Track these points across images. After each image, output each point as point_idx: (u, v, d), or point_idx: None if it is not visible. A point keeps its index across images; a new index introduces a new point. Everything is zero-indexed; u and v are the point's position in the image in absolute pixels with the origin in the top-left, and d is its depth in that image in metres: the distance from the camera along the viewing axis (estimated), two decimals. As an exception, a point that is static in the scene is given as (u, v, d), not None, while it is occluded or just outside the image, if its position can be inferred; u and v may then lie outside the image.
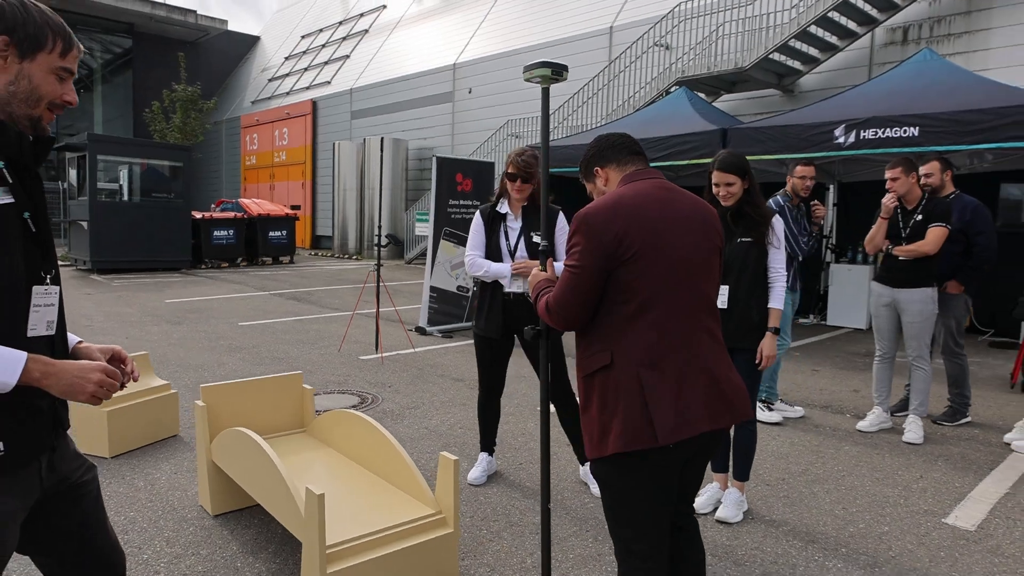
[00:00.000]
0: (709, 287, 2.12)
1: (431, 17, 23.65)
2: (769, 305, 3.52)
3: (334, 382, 6.30)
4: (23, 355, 1.40)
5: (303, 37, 31.00)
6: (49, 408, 1.53)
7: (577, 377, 2.18)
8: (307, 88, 26.94)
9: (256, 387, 3.78)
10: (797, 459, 4.48)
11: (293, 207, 23.83)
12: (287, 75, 29.36)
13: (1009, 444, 4.70)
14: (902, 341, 4.94)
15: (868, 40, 12.35)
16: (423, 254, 19.07)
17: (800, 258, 5.28)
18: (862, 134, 7.14)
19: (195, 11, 30.95)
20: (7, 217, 1.41)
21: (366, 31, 26.65)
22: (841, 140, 7.27)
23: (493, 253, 3.81)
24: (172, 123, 25.72)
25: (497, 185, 3.94)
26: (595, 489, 3.89)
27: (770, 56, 11.95)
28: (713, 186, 3.42)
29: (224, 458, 3.42)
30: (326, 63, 27.27)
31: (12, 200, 1.43)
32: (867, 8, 11.44)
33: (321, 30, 30.00)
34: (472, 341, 8.30)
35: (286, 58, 30.67)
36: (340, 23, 29.04)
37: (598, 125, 15.32)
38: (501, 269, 3.76)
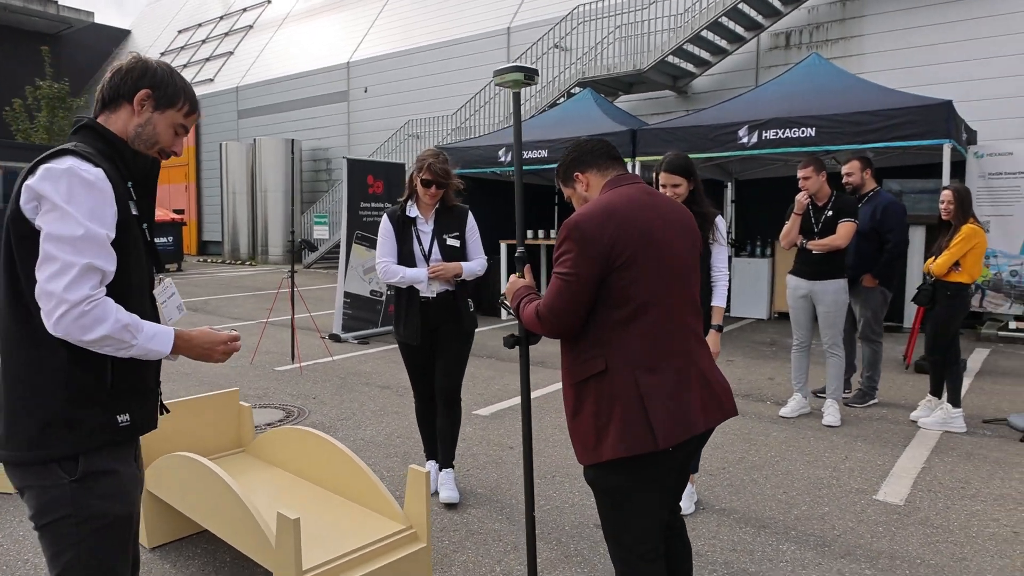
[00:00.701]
0: (695, 289, 2.15)
1: (320, 14, 22.99)
2: (712, 303, 3.63)
3: (253, 396, 6.00)
4: (171, 329, 1.70)
5: (180, 32, 29.39)
6: (156, 391, 1.81)
7: (565, 384, 2.15)
8: (188, 86, 25.54)
9: (189, 407, 3.54)
10: (731, 448, 4.66)
11: (176, 211, 22.54)
12: (164, 72, 27.70)
13: (916, 422, 5.08)
14: (817, 330, 5.24)
15: (755, 44, 13.03)
16: (324, 258, 18.52)
17: None
18: (764, 134, 7.52)
19: (56, 1, 28.67)
20: (134, 226, 1.70)
21: (250, 27, 25.58)
22: (745, 140, 7.63)
23: (406, 258, 3.71)
24: (37, 122, 23.70)
25: (406, 186, 3.82)
26: (449, 495, 3.74)
27: (666, 59, 12.38)
28: (660, 187, 3.49)
29: (163, 486, 3.17)
30: (208, 60, 25.97)
31: (137, 213, 1.73)
32: (753, 14, 12.06)
33: (200, 25, 28.53)
34: (393, 346, 8.15)
35: (161, 54, 28.94)
36: (221, 18, 27.73)
37: (500, 127, 15.40)
38: (417, 274, 3.66)
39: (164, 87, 1.76)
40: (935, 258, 4.90)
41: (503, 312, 2.59)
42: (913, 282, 8.78)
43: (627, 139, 8.41)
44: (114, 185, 1.63)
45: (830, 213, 4.98)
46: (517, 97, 2.46)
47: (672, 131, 8.12)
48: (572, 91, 13.43)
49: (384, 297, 9.09)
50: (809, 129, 7.27)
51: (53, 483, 1.59)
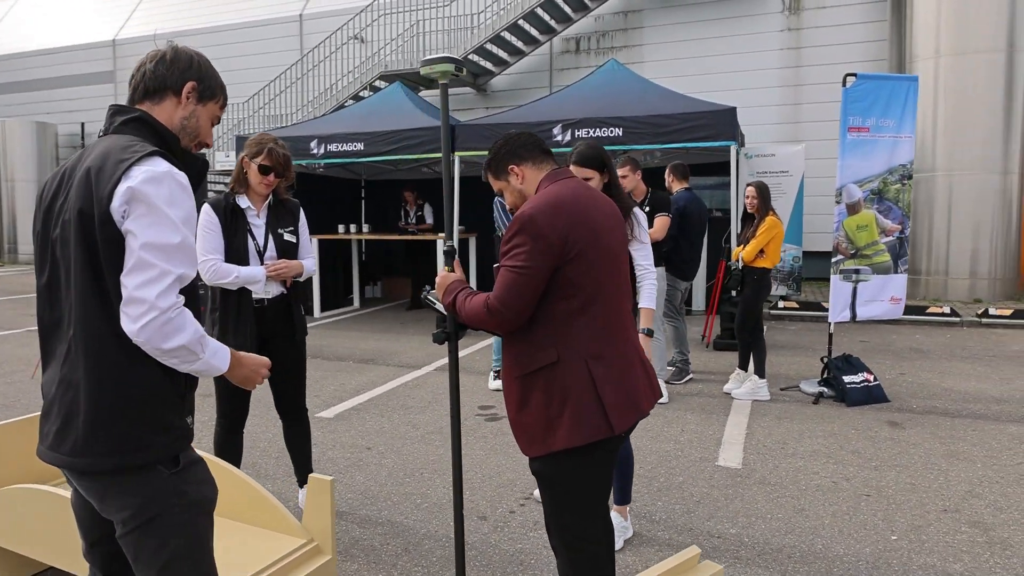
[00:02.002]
0: (628, 279, 2.24)
1: (73, -18, 20.26)
2: (640, 305, 3.38)
3: (48, 418, 5.18)
4: (226, 347, 1.72)
5: None
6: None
7: (510, 376, 2.13)
8: None
9: (7, 433, 2.99)
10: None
11: None
12: None
13: (729, 393, 5.69)
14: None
15: (548, 48, 13.70)
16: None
17: None
18: (577, 133, 7.94)
19: None
20: None
21: (-21, -11, 21.88)
22: (559, 138, 8.01)
23: (237, 254, 3.24)
24: None
25: (235, 172, 3.35)
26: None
27: (468, 56, 12.60)
28: None
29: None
30: (-79, 25, 21.80)
31: None
32: (547, 18, 12.67)
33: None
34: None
35: None
36: (-64, -23, 23.38)
37: (300, 118, 14.72)
38: (254, 273, 3.23)
39: (208, 79, 1.76)
40: (744, 247, 5.51)
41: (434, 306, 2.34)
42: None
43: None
44: None
45: (647, 209, 5.40)
46: (445, 88, 2.38)
47: (491, 127, 8.29)
48: (375, 84, 13.19)
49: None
50: (617, 129, 7.80)
51: (155, 478, 1.62)
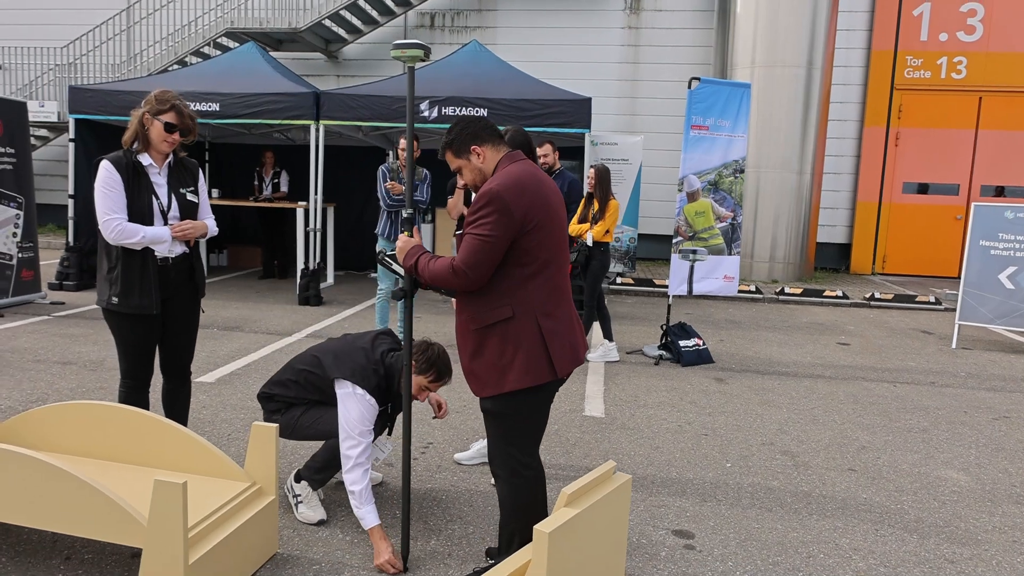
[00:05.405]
0: (567, 248, 2.71)
1: None
2: None
3: None
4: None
5: None
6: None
7: (465, 329, 2.52)
8: None
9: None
10: (461, 391, 5.34)
11: None
12: None
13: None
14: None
15: (403, 20, 13.78)
16: None
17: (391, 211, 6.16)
18: (443, 110, 8.28)
19: None
20: None
21: None
22: (426, 114, 8.30)
23: (141, 214, 3.28)
24: None
25: (134, 129, 3.28)
26: None
27: (322, 21, 12.41)
28: None
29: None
30: None
31: None
32: (404, -10, 12.76)
33: None
34: (42, 318, 6.96)
35: None
36: None
37: (127, 70, 13.71)
38: (160, 233, 3.28)
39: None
40: (591, 225, 6.17)
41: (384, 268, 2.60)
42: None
43: (310, 102, 8.43)
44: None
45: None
46: (412, 72, 2.67)
47: (357, 98, 8.39)
48: (219, 41, 12.61)
49: (15, 260, 7.68)
50: (482, 109, 8.23)
51: None
